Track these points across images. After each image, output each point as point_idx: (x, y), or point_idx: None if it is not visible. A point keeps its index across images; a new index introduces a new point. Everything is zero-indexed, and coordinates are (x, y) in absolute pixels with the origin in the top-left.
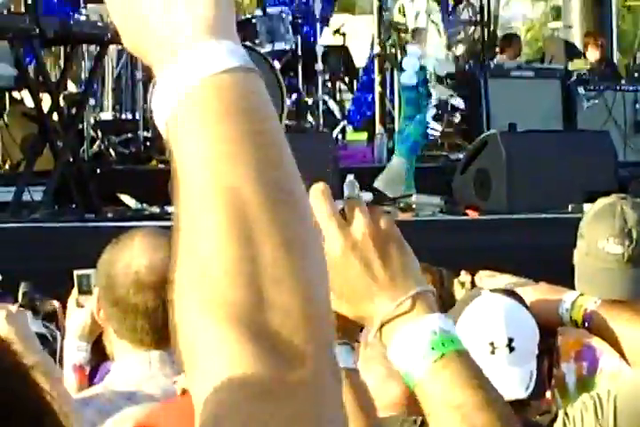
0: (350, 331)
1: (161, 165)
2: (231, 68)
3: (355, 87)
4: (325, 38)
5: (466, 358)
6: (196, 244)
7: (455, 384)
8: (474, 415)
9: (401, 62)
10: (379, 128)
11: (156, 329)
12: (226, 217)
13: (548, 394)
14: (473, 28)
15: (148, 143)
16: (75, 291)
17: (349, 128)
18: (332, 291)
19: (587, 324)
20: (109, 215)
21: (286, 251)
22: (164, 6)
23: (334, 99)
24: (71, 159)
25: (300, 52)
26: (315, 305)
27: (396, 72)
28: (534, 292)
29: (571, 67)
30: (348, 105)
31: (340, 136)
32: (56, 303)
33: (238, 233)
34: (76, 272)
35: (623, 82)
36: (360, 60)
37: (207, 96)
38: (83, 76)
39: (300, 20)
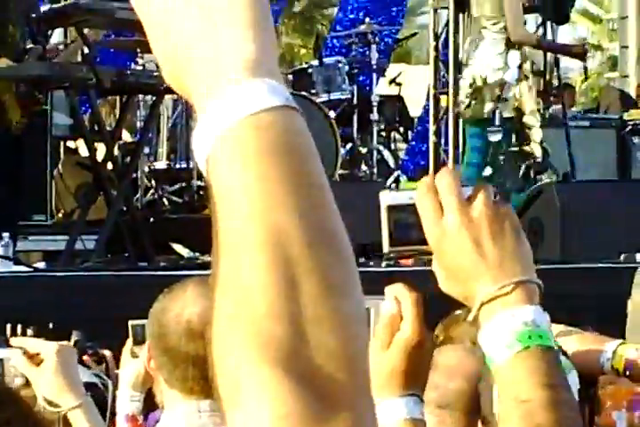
0: (419, 382)
1: None
2: (272, 107)
3: (409, 137)
4: (381, 88)
5: (550, 355)
6: (237, 282)
7: (527, 380)
8: (535, 413)
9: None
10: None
11: (207, 378)
12: (267, 256)
13: None
14: None
15: (201, 192)
16: (129, 341)
17: (403, 178)
18: (442, 269)
19: (628, 372)
20: (162, 264)
21: (327, 291)
22: (208, 44)
23: (389, 148)
24: (125, 208)
25: (355, 102)
26: (355, 346)
27: (450, 120)
28: (577, 341)
29: (626, 116)
30: (402, 155)
31: (393, 186)
32: (107, 353)
33: (279, 272)
34: (130, 322)
35: None
36: (415, 110)
37: (247, 135)
38: (138, 125)
39: (356, 70)
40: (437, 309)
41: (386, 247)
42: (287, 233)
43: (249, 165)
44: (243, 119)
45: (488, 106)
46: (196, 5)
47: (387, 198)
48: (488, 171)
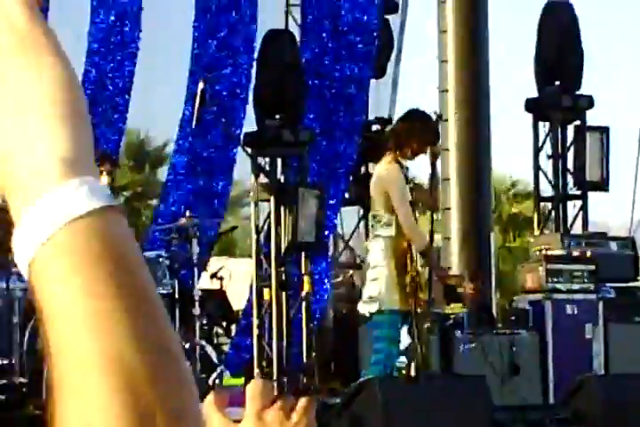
0: None
1: (37, 411)
2: (94, 210)
3: (233, 331)
4: (203, 282)
5: None
6: (84, 411)
7: None
8: None
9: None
10: (257, 372)
11: None
12: (111, 384)
13: None
14: (351, 271)
15: (24, 389)
16: None
17: (227, 373)
18: None
19: None
20: None
21: (177, 418)
22: (22, 142)
23: (212, 343)
24: None
25: (177, 297)
26: None
27: (274, 313)
28: None
29: (448, 310)
30: (226, 349)
31: (217, 381)
32: None
33: (128, 404)
34: None
35: (499, 325)
36: (239, 303)
37: (70, 244)
38: None
39: (177, 265)
40: None
41: None
42: (128, 360)
43: (76, 281)
44: (64, 226)
45: None
46: (10, 101)
47: None
48: None
